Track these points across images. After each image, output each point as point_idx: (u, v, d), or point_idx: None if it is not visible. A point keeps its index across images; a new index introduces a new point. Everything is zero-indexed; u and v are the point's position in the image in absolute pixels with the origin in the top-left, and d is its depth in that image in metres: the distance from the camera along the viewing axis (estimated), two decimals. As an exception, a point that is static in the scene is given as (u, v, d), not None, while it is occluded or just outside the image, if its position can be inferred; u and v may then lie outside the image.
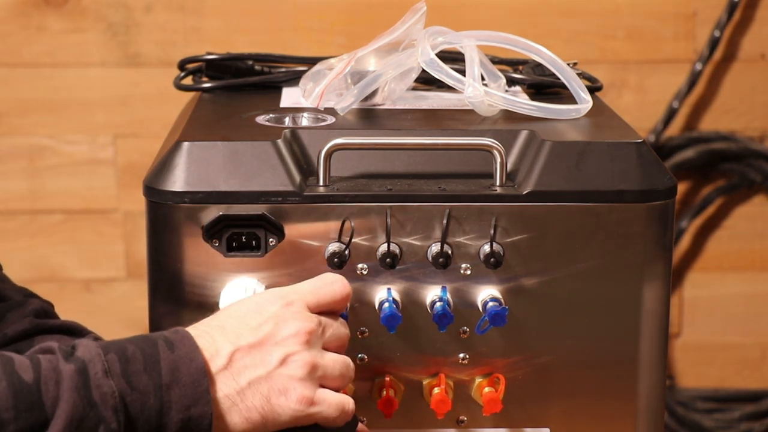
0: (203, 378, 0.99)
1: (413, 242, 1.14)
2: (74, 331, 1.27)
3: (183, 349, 1.00)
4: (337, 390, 1.06)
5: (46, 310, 1.28)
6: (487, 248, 1.14)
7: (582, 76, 1.35)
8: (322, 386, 1.05)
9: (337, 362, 1.06)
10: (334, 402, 1.04)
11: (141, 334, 1.02)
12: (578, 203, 1.14)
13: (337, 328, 1.08)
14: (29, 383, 0.95)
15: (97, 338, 1.27)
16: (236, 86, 1.39)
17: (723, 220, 2.23)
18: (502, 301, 1.14)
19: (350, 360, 1.07)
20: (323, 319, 1.06)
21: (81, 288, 2.17)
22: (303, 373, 1.03)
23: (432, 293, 1.15)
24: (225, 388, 1.01)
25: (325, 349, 1.06)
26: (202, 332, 1.03)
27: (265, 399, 1.02)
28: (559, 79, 1.28)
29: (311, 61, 1.36)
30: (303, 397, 1.03)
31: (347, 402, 1.05)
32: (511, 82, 1.36)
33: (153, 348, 0.99)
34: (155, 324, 1.16)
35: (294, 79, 1.39)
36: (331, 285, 1.08)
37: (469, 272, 1.15)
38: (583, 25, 2.12)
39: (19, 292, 1.30)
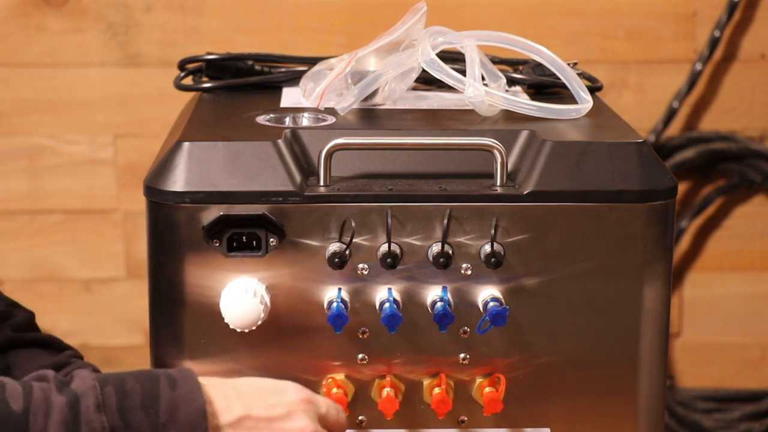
0: (202, 420, 0.98)
1: (414, 242, 1.14)
2: (51, 345, 1.26)
3: (185, 388, 0.99)
4: None
5: (28, 322, 1.27)
6: (487, 248, 1.14)
7: (582, 76, 1.35)
8: None
9: None
10: None
11: (145, 369, 1.01)
12: (578, 203, 1.14)
13: None
14: (17, 412, 0.93)
15: (74, 355, 1.26)
16: (236, 86, 1.39)
17: (723, 220, 2.23)
18: (503, 301, 1.14)
19: None
20: None
21: (81, 288, 2.17)
22: None
23: (432, 293, 1.15)
24: None
25: None
26: (214, 383, 1.03)
27: None
28: (559, 79, 1.28)
29: (311, 61, 1.36)
30: None
31: None
32: (511, 82, 1.36)
33: (154, 384, 0.99)
34: (155, 324, 1.16)
35: (294, 79, 1.39)
36: (339, 414, 1.10)
37: (469, 272, 1.15)
38: (583, 25, 2.12)
39: (1, 302, 1.29)
